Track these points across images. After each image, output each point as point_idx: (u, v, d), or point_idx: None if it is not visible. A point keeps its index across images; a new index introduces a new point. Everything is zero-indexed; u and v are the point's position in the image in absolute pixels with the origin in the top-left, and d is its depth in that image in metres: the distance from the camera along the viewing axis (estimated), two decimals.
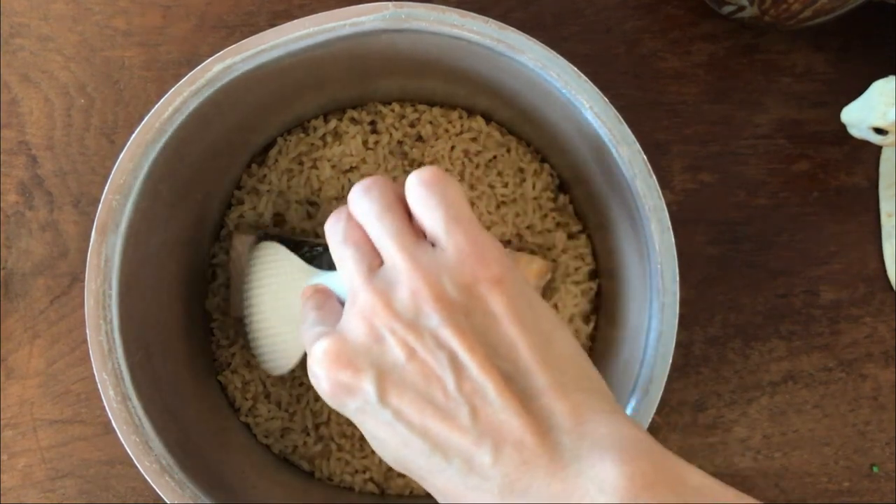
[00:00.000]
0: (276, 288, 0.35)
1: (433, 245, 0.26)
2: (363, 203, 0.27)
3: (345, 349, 0.25)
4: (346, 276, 0.27)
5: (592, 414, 0.24)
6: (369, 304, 0.26)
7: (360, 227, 0.28)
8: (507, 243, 0.40)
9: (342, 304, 0.31)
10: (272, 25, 0.33)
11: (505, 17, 0.42)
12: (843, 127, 0.37)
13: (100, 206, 0.31)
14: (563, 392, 0.24)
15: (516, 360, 0.24)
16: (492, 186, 0.40)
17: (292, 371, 0.39)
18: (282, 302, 0.35)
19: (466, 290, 0.25)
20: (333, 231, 0.29)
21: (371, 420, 0.25)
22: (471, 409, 0.24)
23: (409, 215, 0.27)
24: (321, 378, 0.26)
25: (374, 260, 0.27)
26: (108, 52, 0.43)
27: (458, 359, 0.24)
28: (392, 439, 0.25)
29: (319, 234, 0.39)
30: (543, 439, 0.23)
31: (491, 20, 0.32)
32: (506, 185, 0.40)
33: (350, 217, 0.28)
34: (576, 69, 0.32)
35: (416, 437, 0.24)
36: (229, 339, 0.40)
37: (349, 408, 0.26)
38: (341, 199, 0.40)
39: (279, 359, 0.35)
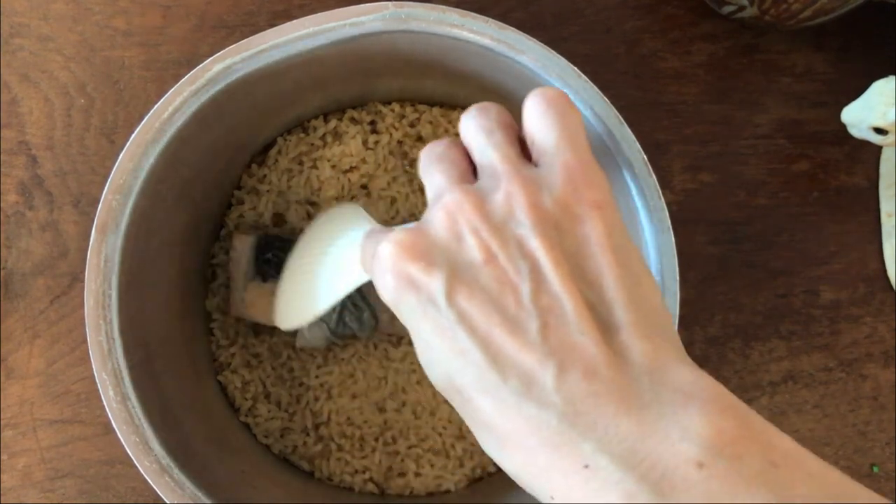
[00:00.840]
0: (339, 250, 0.33)
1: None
2: (476, 118, 0.26)
3: (420, 242, 0.23)
4: (433, 187, 0.25)
5: (674, 362, 0.21)
6: (457, 200, 0.24)
7: (460, 150, 0.27)
8: None
9: None
10: (272, 25, 0.33)
11: (505, 17, 0.42)
12: (843, 127, 0.37)
13: (100, 206, 0.31)
14: (645, 333, 0.22)
15: (602, 290, 0.22)
16: None
17: (292, 371, 0.39)
18: (334, 264, 0.33)
19: (565, 207, 0.23)
20: (429, 151, 0.27)
21: (429, 322, 0.23)
22: (542, 324, 0.21)
23: (519, 141, 0.26)
24: (387, 269, 0.24)
25: (468, 175, 0.26)
26: (108, 52, 0.43)
27: (541, 270, 0.22)
28: (446, 346, 0.23)
29: None
30: (620, 373, 0.21)
31: (491, 20, 0.32)
32: None
33: (451, 143, 0.27)
34: (576, 69, 0.32)
35: (476, 346, 0.22)
36: (229, 339, 0.40)
37: (408, 304, 0.23)
38: (341, 198, 0.40)
39: (294, 314, 0.33)
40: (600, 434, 0.20)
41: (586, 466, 0.20)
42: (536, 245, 0.23)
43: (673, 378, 0.21)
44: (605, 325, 0.22)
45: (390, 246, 0.24)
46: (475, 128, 0.26)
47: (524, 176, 0.24)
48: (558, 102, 0.25)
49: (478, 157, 0.26)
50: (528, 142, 0.26)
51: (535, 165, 0.25)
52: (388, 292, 0.24)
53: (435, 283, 0.23)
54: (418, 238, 0.24)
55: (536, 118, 0.26)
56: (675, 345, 0.23)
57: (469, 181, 0.25)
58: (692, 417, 0.20)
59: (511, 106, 0.38)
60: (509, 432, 0.21)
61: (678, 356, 0.22)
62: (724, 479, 0.19)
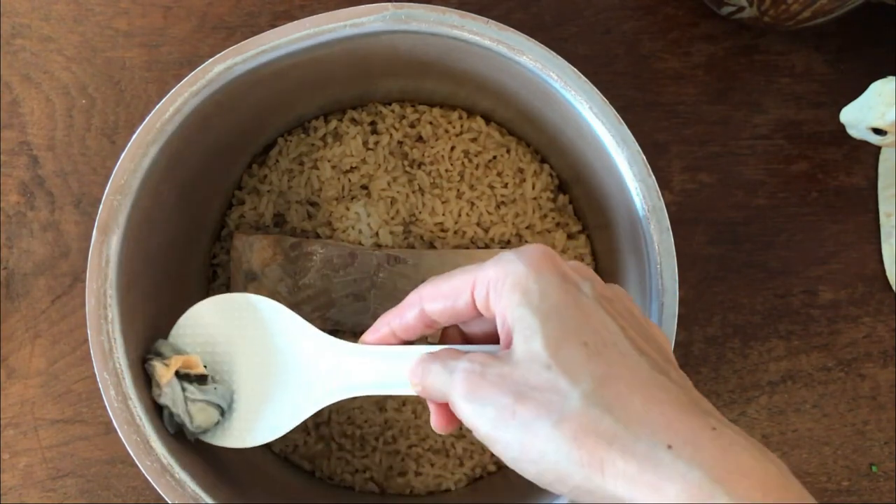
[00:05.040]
0: (274, 349, 0.31)
1: None
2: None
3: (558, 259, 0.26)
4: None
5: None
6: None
7: None
8: (506, 243, 0.40)
9: None
10: (273, 26, 0.33)
11: (505, 18, 0.43)
12: (841, 127, 0.38)
13: (101, 206, 0.31)
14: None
15: None
16: (492, 186, 0.40)
17: None
18: (277, 366, 0.31)
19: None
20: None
21: (589, 303, 0.25)
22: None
23: None
24: (553, 265, 0.25)
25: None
26: (109, 52, 0.43)
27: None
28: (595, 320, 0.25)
29: (320, 234, 0.40)
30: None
31: (491, 21, 0.32)
32: (506, 186, 0.40)
33: None
34: (575, 70, 0.32)
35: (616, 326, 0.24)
36: None
37: (579, 288, 0.25)
38: (341, 199, 0.40)
39: (265, 428, 0.31)
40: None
41: (714, 429, 0.23)
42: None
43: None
44: None
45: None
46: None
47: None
48: None
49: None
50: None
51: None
52: (554, 276, 0.25)
53: (586, 283, 0.26)
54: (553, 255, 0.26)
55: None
56: None
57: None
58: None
59: (512, 106, 0.38)
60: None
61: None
62: None
